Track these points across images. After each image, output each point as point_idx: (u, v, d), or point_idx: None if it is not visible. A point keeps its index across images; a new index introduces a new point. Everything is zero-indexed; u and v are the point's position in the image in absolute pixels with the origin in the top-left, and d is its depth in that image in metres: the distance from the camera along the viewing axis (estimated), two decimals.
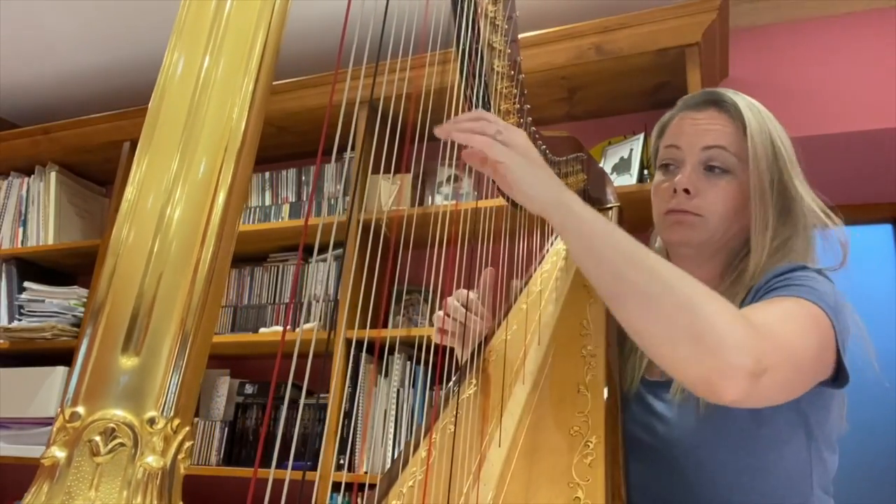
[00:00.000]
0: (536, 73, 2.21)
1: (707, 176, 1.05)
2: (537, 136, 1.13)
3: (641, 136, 2.23)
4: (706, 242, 1.07)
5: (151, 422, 0.37)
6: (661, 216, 1.09)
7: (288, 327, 2.47)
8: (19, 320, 2.80)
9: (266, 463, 2.11)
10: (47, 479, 0.36)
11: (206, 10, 0.43)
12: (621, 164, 2.25)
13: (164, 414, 0.37)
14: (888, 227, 2.75)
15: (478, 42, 0.99)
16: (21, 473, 2.86)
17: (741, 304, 0.97)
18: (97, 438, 0.36)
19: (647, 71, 2.24)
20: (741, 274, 1.04)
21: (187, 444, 0.39)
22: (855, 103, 2.25)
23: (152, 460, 0.36)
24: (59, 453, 0.35)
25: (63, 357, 2.69)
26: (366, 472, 2.14)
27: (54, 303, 2.78)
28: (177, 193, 0.40)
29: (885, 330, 3.10)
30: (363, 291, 2.16)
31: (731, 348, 0.72)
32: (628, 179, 2.18)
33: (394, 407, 2.16)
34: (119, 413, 0.36)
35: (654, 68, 2.22)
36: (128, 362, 0.37)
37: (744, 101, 1.07)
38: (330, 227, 2.10)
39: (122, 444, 0.36)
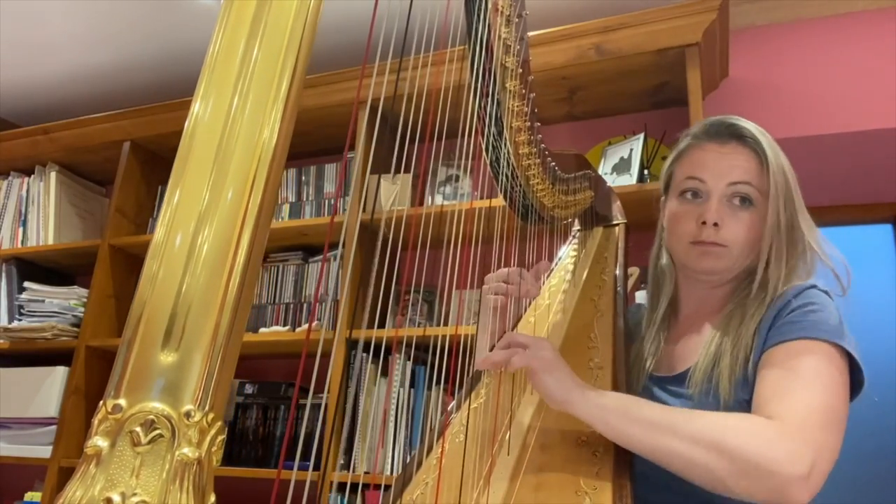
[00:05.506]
0: (536, 74, 2.18)
1: (731, 208, 1.11)
2: (547, 152, 1.15)
3: (641, 136, 2.23)
4: (727, 270, 1.13)
5: (188, 415, 0.39)
6: (687, 245, 1.13)
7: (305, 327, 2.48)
8: (19, 320, 2.80)
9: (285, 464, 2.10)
10: (90, 466, 0.37)
11: (235, 50, 0.47)
12: (621, 164, 2.26)
13: (200, 408, 0.39)
14: (888, 227, 2.75)
15: (491, 62, 1.01)
16: (21, 473, 2.86)
17: (761, 321, 1.05)
18: (138, 429, 0.38)
19: (647, 71, 2.25)
20: (745, 298, 1.11)
21: (220, 437, 0.41)
22: (855, 103, 2.26)
23: (188, 451, 0.38)
24: (101, 443, 0.37)
25: (63, 357, 2.69)
26: (366, 472, 2.14)
27: (54, 303, 2.77)
28: (212, 203, 0.43)
29: (885, 330, 3.12)
30: (372, 291, 2.17)
31: (782, 464, 0.82)
32: (628, 179, 2.18)
33: (394, 407, 2.16)
34: (158, 406, 0.39)
35: (654, 68, 2.23)
36: (167, 358, 0.39)
37: (762, 135, 1.12)
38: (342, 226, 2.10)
39: (160, 436, 0.38)
